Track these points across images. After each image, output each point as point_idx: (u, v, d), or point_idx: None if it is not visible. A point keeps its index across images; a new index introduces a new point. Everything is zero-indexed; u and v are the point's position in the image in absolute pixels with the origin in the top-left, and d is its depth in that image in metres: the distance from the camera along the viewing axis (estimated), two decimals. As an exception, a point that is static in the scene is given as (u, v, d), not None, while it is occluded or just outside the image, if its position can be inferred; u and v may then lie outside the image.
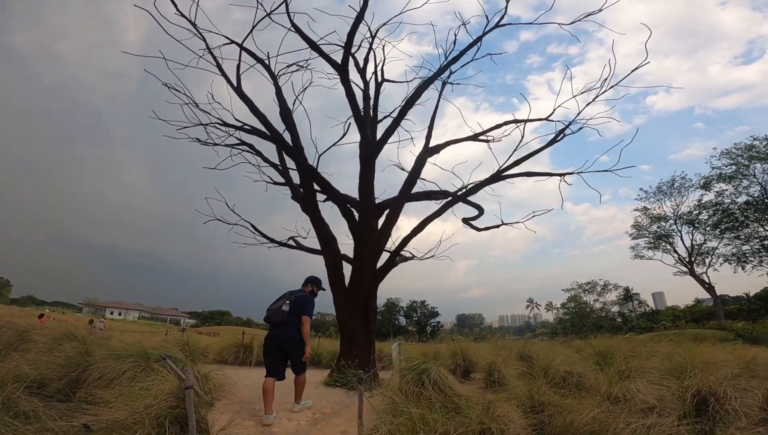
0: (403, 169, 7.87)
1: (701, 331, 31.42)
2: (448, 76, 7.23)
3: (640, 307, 66.20)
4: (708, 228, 41.13)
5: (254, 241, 7.95)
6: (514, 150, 6.49)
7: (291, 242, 7.98)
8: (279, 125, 6.20)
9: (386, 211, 6.37)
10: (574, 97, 6.41)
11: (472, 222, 7.83)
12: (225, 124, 5.84)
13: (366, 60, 6.72)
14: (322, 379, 5.75)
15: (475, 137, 7.58)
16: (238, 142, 7.13)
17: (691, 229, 42.45)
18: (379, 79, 7.37)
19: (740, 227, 38.30)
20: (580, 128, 6.35)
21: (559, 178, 6.89)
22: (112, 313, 73.98)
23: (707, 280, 42.57)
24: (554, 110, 6.69)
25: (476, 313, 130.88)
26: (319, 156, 6.61)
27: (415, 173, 6.70)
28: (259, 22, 5.14)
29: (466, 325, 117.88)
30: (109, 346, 4.19)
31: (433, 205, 7.19)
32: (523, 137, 6.47)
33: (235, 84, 5.57)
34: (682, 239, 43.30)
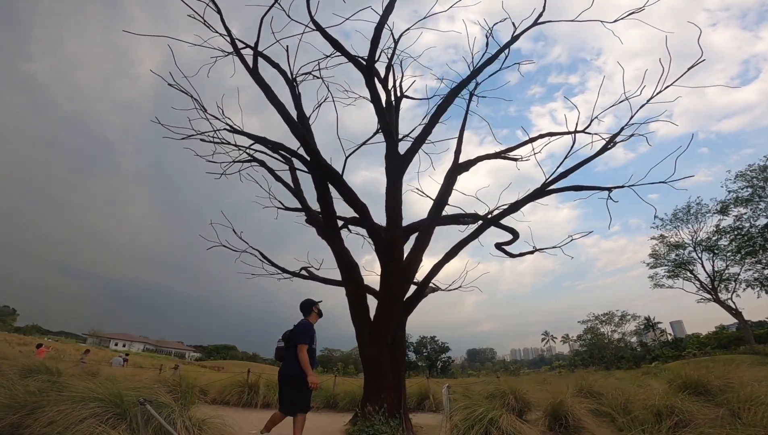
0: (423, 194, 7.27)
1: (735, 356, 29.62)
2: (475, 88, 6.78)
3: (661, 336, 63.37)
4: (729, 253, 39.85)
5: (263, 272, 7.24)
6: (561, 162, 5.83)
7: (303, 273, 7.26)
8: (290, 141, 5.68)
9: (415, 235, 5.68)
10: (615, 105, 5.86)
11: (505, 247, 7.09)
12: (234, 131, 5.27)
13: (389, 66, 6.25)
14: (342, 427, 4.87)
15: (505, 152, 7.01)
16: (249, 158, 6.61)
17: (711, 255, 41.10)
18: (399, 94, 6.91)
19: (761, 251, 36.95)
20: (630, 136, 5.70)
21: (607, 192, 6.20)
22: (116, 345, 72.52)
23: (733, 306, 40.88)
24: (590, 122, 6.14)
25: (487, 348, 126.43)
26: (346, 157, 5.90)
27: (445, 191, 6.02)
28: (267, 10, 4.62)
29: (477, 360, 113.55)
30: (72, 386, 3.34)
31: (455, 233, 6.51)
32: (573, 144, 5.83)
33: (251, 65, 4.97)
34: (703, 266, 41.87)
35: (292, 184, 6.69)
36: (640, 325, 65.42)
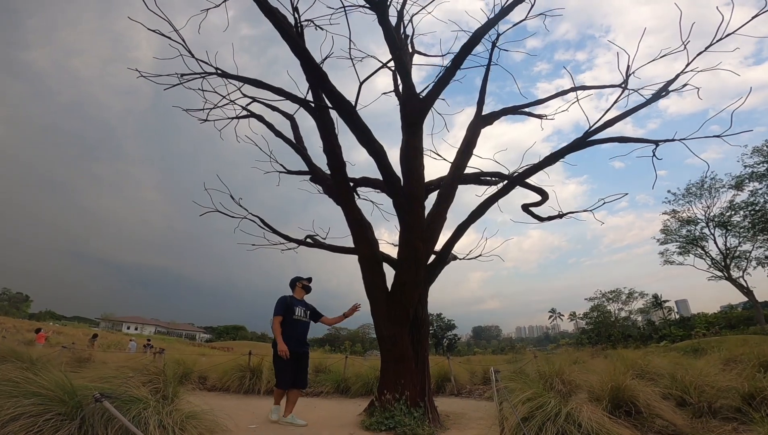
0: (439, 156, 6.42)
1: (748, 337, 29.16)
2: (497, 39, 5.83)
3: (669, 315, 63.03)
4: (742, 230, 38.88)
5: (264, 242, 6.49)
6: (605, 112, 4.93)
7: (309, 241, 6.51)
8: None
9: (434, 195, 4.88)
10: (655, 59, 4.92)
11: (533, 209, 6.28)
12: (226, 75, 4.37)
13: (401, 13, 5.26)
14: (356, 418, 4.18)
15: (533, 104, 6.08)
16: (246, 114, 5.78)
17: (724, 231, 40.17)
18: (411, 51, 5.99)
19: (765, 231, 35.97)
20: (684, 85, 4.76)
21: (653, 146, 5.34)
22: (128, 328, 73.49)
23: (745, 285, 40.26)
24: (628, 77, 5.21)
25: (493, 325, 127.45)
26: (361, 84, 4.90)
27: (468, 142, 5.16)
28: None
29: (483, 337, 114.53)
30: (10, 377, 2.61)
31: (460, 207, 5.65)
32: (621, 94, 4.93)
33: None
34: (715, 242, 40.97)
35: (293, 140, 5.88)
36: (647, 303, 65.13)
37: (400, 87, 4.84)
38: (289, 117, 6.15)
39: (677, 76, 4.88)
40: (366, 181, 6.23)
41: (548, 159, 5.04)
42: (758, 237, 37.81)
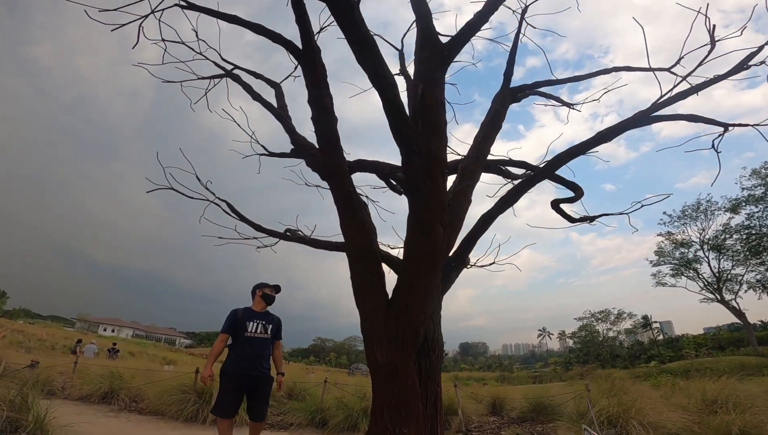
0: (452, 150, 5.37)
1: (744, 358, 28.57)
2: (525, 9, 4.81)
3: (658, 335, 62.80)
4: (735, 253, 38.75)
5: (236, 237, 5.24)
6: (671, 88, 3.86)
7: (288, 235, 5.28)
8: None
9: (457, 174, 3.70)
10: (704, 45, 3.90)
11: (563, 207, 5.19)
12: (191, 7, 3.12)
13: None
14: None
15: (569, 81, 5.03)
16: (222, 74, 4.70)
17: (718, 254, 40.03)
18: None
19: (765, 253, 35.87)
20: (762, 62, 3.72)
21: (722, 129, 4.28)
22: (105, 330, 70.44)
23: (737, 307, 40.08)
24: (678, 61, 4.20)
25: (480, 342, 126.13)
26: None
27: (495, 116, 4.03)
28: None
29: (470, 354, 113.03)
30: None
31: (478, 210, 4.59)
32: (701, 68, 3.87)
33: None
34: (709, 265, 40.80)
35: (275, 104, 4.69)
36: (635, 324, 65.03)
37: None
38: (274, 85, 5.06)
39: (761, 48, 3.82)
40: (361, 165, 5.03)
41: (602, 135, 3.92)
42: (750, 261, 37.78)
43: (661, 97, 3.82)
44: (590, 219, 5.43)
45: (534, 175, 3.99)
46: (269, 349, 3.90)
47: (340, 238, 4.64)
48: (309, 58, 3.14)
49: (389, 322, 2.75)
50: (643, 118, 3.95)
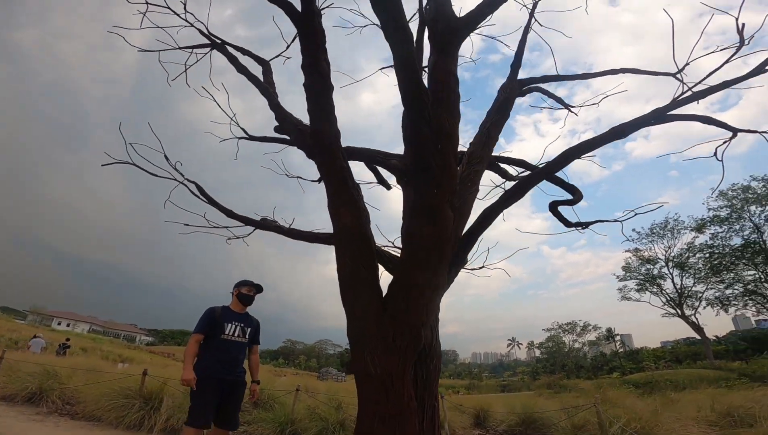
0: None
1: (702, 371, 29.70)
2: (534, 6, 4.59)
3: (620, 348, 65.08)
4: (696, 271, 40.53)
5: (204, 225, 4.67)
6: (694, 84, 3.64)
7: (265, 224, 4.75)
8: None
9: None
10: (713, 52, 3.75)
11: (560, 210, 4.95)
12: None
13: None
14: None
15: (575, 78, 4.82)
16: (206, 44, 4.20)
17: (681, 271, 41.76)
18: None
19: (725, 271, 37.72)
20: None
21: (731, 133, 4.13)
22: (59, 324, 65.96)
23: (697, 322, 41.91)
24: (684, 66, 4.09)
25: (450, 350, 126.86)
26: None
27: (503, 104, 3.72)
28: None
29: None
30: None
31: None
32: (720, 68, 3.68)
33: None
34: (672, 281, 42.52)
35: (262, 78, 4.20)
36: (599, 336, 67.19)
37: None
38: (263, 62, 4.60)
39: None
40: (349, 153, 4.58)
41: (618, 130, 3.65)
42: (711, 279, 39.57)
43: (681, 94, 3.60)
44: (584, 225, 5.19)
45: (545, 168, 3.67)
46: (245, 354, 3.57)
47: (322, 231, 4.22)
48: (308, 21, 2.69)
49: (384, 324, 2.30)
50: (660, 115, 3.70)
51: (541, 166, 4.64)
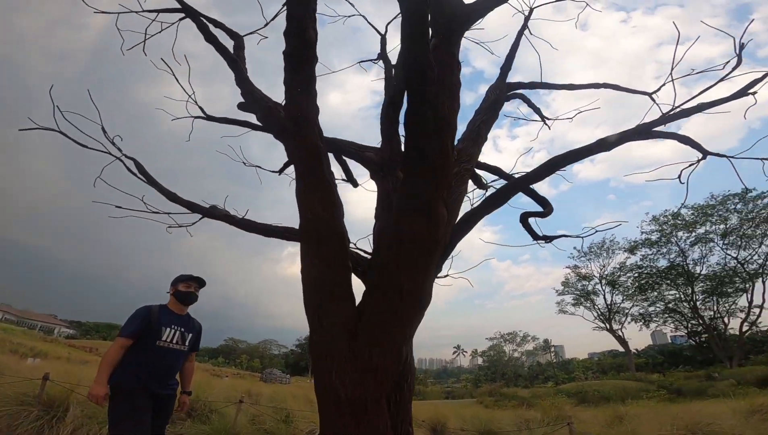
0: None
1: (625, 382, 32.15)
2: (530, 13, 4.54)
3: (555, 358, 69.21)
4: (625, 289, 44.10)
5: (141, 209, 4.00)
6: (683, 102, 3.68)
7: (214, 212, 4.16)
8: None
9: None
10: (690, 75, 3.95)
11: (531, 223, 4.89)
12: None
13: None
14: None
15: (554, 87, 4.79)
16: (177, 8, 3.58)
17: (612, 289, 45.21)
18: None
19: (649, 290, 41.48)
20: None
21: (700, 155, 4.27)
22: (-39, 313, 57.74)
23: (623, 336, 45.58)
24: (661, 86, 4.27)
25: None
26: None
27: (495, 103, 3.52)
28: None
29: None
30: None
31: None
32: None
33: None
34: (604, 298, 45.91)
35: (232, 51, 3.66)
36: (536, 347, 71.16)
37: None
38: (235, 36, 4.06)
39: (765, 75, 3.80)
40: (336, 146, 4.17)
41: (603, 142, 3.58)
42: (637, 296, 43.31)
43: (669, 111, 3.60)
44: (550, 238, 5.20)
45: (532, 173, 3.52)
46: (181, 364, 3.03)
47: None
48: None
49: (359, 338, 1.95)
50: (645, 130, 3.66)
51: (516, 175, 4.57)
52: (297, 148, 2.21)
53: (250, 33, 4.27)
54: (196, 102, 4.25)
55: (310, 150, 2.16)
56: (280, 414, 4.82)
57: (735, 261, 34.83)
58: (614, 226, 5.27)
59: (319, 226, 2.18)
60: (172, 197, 3.73)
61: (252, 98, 3.28)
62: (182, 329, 2.94)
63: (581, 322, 48.14)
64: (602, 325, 47.19)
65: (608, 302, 45.79)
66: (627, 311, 45.12)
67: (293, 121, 2.20)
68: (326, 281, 2.16)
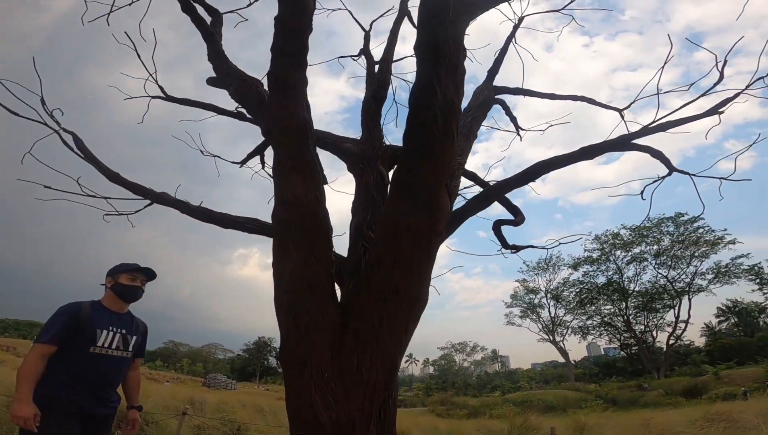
0: None
1: (566, 392, 33.85)
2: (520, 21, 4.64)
3: (501, 369, 71.71)
4: (567, 303, 46.84)
5: (76, 191, 3.41)
6: (663, 116, 3.79)
7: (164, 198, 3.63)
8: None
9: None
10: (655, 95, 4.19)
11: (502, 231, 4.90)
12: None
13: None
14: None
15: (533, 94, 4.86)
16: None
17: (555, 303, 47.83)
18: None
19: (588, 304, 44.41)
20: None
21: (667, 172, 4.44)
22: None
23: (564, 347, 48.21)
24: (631, 103, 4.58)
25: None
26: None
27: (485, 102, 3.43)
28: None
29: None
30: None
31: None
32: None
33: None
34: (549, 311, 48.43)
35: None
36: (485, 357, 73.50)
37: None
38: (214, 12, 3.66)
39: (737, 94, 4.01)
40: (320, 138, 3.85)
41: (585, 151, 3.57)
42: (577, 310, 46.15)
43: (649, 124, 3.67)
44: (518, 248, 5.23)
45: (518, 176, 3.44)
46: (125, 373, 2.48)
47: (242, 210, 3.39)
48: None
49: (345, 349, 1.66)
50: (625, 142, 3.71)
51: (493, 183, 4.50)
52: (280, 120, 1.90)
53: (230, 12, 3.90)
54: (156, 81, 3.76)
55: (295, 122, 1.86)
56: (229, 426, 4.34)
57: (665, 279, 38.14)
58: (576, 240, 5.37)
59: (300, 210, 1.87)
60: (114, 177, 3.22)
61: (224, 70, 2.90)
62: (123, 331, 2.38)
63: (526, 333, 50.55)
64: (546, 336, 49.63)
65: (552, 315, 48.28)
66: (568, 324, 47.87)
67: (279, 88, 1.89)
68: (306, 277, 1.85)
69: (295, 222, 1.89)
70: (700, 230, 35.01)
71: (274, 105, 1.98)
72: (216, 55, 3.07)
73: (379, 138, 3.71)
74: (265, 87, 2.89)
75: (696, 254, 35.89)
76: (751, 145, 3.72)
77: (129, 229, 3.62)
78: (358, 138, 3.87)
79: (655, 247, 38.07)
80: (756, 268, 35.87)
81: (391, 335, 1.65)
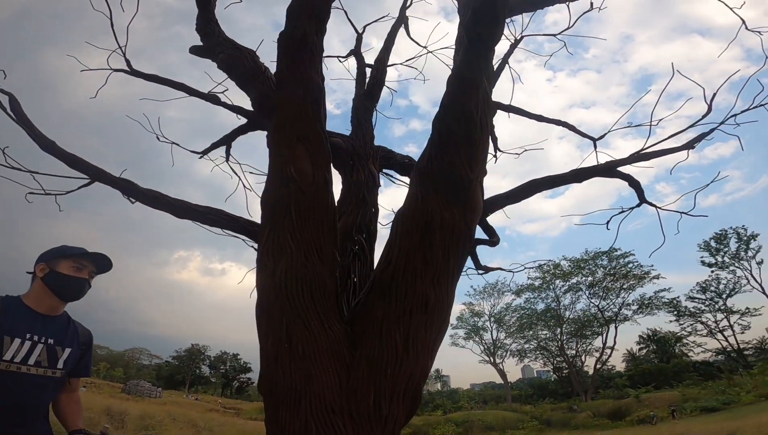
0: None
1: (504, 413, 34.74)
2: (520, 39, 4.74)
3: (444, 388, 72.31)
4: (508, 327, 48.90)
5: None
6: (645, 146, 3.86)
7: (124, 183, 3.01)
8: None
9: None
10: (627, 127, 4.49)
11: (477, 251, 4.86)
12: None
13: None
14: None
15: (522, 114, 4.91)
16: None
17: (498, 326, 49.71)
18: None
19: (527, 329, 46.75)
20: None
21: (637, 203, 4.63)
22: None
23: (503, 369, 49.95)
24: (603, 136, 4.72)
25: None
26: None
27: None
28: None
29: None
30: None
31: None
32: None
33: None
34: (491, 334, 50.17)
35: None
36: (429, 376, 73.97)
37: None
38: None
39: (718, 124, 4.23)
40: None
41: (577, 173, 3.57)
42: (516, 334, 48.37)
43: (637, 151, 3.75)
44: (488, 269, 5.20)
45: (512, 192, 3.36)
46: (53, 396, 1.77)
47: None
48: None
49: (356, 376, 1.32)
50: (611, 168, 3.78)
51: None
52: (289, 84, 1.56)
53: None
54: (124, 54, 3.21)
55: (309, 86, 1.53)
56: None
57: (596, 308, 41.21)
58: (542, 264, 5.46)
59: (304, 190, 1.50)
60: (50, 147, 2.61)
61: (213, 38, 2.49)
62: (51, 341, 1.70)
63: (468, 354, 51.85)
64: (487, 358, 51.13)
65: (494, 338, 50.02)
66: (508, 347, 49.86)
67: (295, 49, 1.56)
68: (305, 278, 1.48)
69: (297, 204, 1.52)
70: (630, 265, 38.47)
71: (285, 68, 1.64)
72: (208, 21, 2.64)
73: (370, 136, 3.55)
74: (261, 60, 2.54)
75: (624, 287, 39.33)
76: (709, 184, 3.91)
77: (52, 220, 2.96)
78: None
79: (590, 278, 41.14)
80: (675, 301, 39.92)
81: (417, 359, 1.34)
